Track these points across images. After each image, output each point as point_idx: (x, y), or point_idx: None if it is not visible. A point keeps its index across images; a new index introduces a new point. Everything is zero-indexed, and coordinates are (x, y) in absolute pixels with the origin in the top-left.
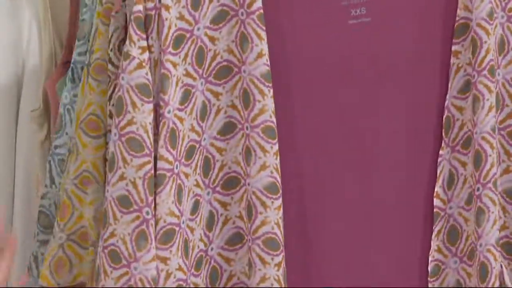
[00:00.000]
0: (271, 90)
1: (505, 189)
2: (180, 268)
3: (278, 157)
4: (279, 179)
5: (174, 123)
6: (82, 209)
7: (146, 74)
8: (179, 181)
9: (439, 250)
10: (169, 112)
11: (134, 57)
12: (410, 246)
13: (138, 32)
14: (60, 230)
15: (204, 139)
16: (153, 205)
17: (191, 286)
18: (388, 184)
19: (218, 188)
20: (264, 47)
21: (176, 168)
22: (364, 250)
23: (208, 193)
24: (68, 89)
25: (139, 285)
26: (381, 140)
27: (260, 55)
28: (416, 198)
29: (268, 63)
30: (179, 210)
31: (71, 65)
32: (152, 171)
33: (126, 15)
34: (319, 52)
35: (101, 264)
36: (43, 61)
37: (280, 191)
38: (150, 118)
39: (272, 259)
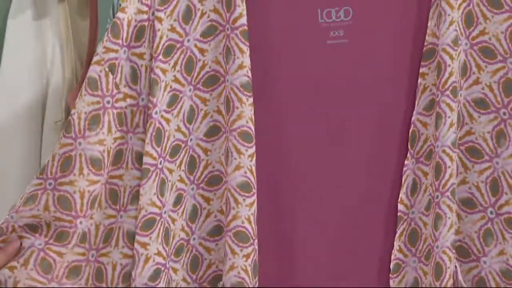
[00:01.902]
0: (250, 99)
1: (460, 198)
2: (159, 253)
3: (254, 159)
4: (252, 179)
5: (160, 123)
6: None
7: (100, 71)
8: (162, 176)
9: (400, 250)
10: (156, 113)
11: (97, 53)
12: (375, 246)
13: (110, 36)
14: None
15: (191, 139)
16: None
17: (170, 270)
18: (358, 190)
19: (202, 185)
20: (245, 60)
21: (160, 164)
22: (334, 248)
23: (192, 189)
24: None
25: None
26: (352, 150)
27: (240, 67)
28: (382, 203)
29: (249, 74)
30: (161, 202)
31: None
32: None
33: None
34: (297, 68)
35: None
36: (66, 78)
37: (254, 190)
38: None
39: (241, 250)
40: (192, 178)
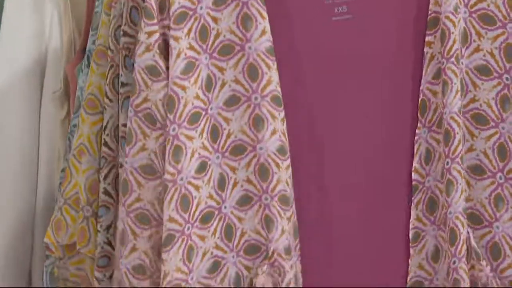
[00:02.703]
0: (275, 63)
1: (469, 165)
2: (171, 219)
3: (285, 123)
4: (286, 142)
5: (174, 91)
6: (77, 177)
7: (153, 56)
8: (177, 142)
9: (418, 219)
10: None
11: (142, 42)
12: (394, 215)
13: (145, 20)
14: (60, 195)
15: (211, 108)
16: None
17: (192, 237)
18: (372, 161)
19: (227, 153)
20: (266, 25)
21: (173, 130)
22: (356, 218)
23: (217, 157)
24: (84, 73)
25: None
26: (366, 123)
27: (263, 33)
28: (398, 172)
29: (271, 39)
30: (175, 168)
31: (86, 52)
32: (164, 142)
33: (122, 3)
34: (305, 45)
35: (127, 226)
36: (64, 48)
37: (288, 153)
38: (161, 95)
39: (285, 213)
40: (216, 146)
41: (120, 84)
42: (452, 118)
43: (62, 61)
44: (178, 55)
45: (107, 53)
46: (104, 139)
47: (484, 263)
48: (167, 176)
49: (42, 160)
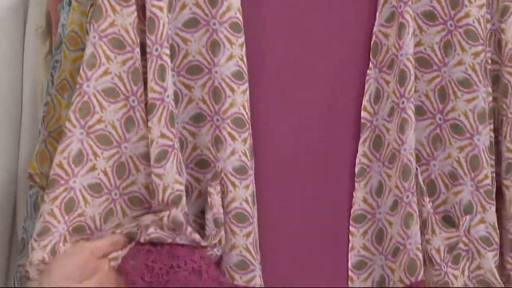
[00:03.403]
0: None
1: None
2: (162, 135)
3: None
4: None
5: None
6: (60, 111)
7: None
8: (160, 62)
9: (364, 155)
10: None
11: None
12: (340, 151)
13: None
14: (44, 128)
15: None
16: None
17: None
18: (323, 98)
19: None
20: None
21: (156, 51)
22: (305, 154)
23: (173, 76)
24: (66, 11)
25: (130, 162)
26: (317, 63)
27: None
28: (347, 110)
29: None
30: (161, 87)
31: None
32: (136, 65)
33: None
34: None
35: (88, 146)
36: None
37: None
38: (130, 20)
39: (240, 135)
40: (172, 66)
41: None
42: (408, 59)
43: None
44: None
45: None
46: None
47: (427, 199)
48: (154, 95)
49: (26, 94)
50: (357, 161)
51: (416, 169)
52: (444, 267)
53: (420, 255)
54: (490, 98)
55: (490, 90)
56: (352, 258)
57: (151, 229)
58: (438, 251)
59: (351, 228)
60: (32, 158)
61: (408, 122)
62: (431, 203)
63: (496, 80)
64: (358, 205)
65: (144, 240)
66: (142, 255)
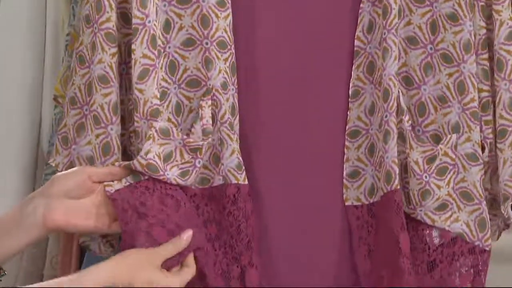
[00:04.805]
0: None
1: (406, 37)
2: (145, 56)
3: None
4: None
5: None
6: (83, 37)
7: None
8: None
9: (358, 79)
10: None
11: None
12: (336, 76)
13: None
14: (68, 55)
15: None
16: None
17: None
18: (318, 28)
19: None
20: None
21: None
22: (299, 73)
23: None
24: None
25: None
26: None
27: None
28: (341, 39)
29: None
30: (143, 13)
31: None
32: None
33: None
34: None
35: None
36: None
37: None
38: None
39: (222, 55)
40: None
41: None
42: None
43: None
44: None
45: None
46: None
47: (406, 118)
48: (136, 21)
49: (49, 25)
50: (351, 84)
51: (399, 92)
52: (426, 177)
53: (395, 167)
54: (484, 31)
55: (482, 24)
56: (347, 169)
57: (149, 155)
58: (416, 163)
59: (346, 143)
60: (57, 82)
61: (388, 51)
62: (410, 122)
63: (490, 15)
64: (353, 122)
65: (140, 164)
66: (134, 194)
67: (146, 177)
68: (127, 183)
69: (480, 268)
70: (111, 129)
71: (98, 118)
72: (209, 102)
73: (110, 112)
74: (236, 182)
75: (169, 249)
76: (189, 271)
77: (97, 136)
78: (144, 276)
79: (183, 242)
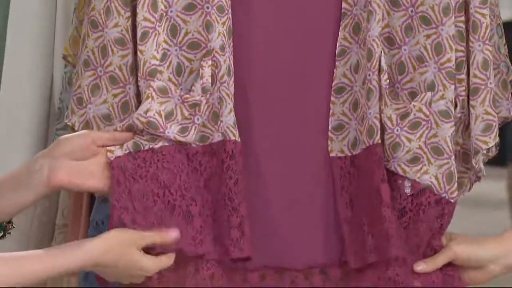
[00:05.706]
0: None
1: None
2: (145, 19)
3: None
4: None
5: None
6: (95, 3)
7: None
8: None
9: (345, 38)
10: None
11: None
12: (323, 38)
13: None
14: (76, 17)
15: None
16: None
17: (160, 33)
18: None
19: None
20: None
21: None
22: (288, 34)
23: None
24: None
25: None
26: None
27: None
28: (329, 1)
29: None
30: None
31: None
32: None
33: None
34: None
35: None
36: None
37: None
38: None
39: (220, 19)
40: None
41: None
42: None
43: None
44: None
45: None
46: None
47: (384, 77)
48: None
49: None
50: (338, 43)
51: (381, 52)
52: (397, 130)
53: (377, 123)
54: None
55: None
56: (332, 122)
57: (150, 113)
58: (390, 118)
59: (332, 98)
60: (67, 42)
61: (372, 14)
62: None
63: None
64: (338, 79)
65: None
66: (131, 165)
67: (146, 148)
68: (127, 151)
69: (446, 218)
70: (129, 88)
71: (116, 79)
72: (209, 62)
73: (128, 73)
74: (234, 138)
75: (155, 237)
76: (166, 260)
77: (115, 95)
78: (129, 256)
79: (168, 237)
